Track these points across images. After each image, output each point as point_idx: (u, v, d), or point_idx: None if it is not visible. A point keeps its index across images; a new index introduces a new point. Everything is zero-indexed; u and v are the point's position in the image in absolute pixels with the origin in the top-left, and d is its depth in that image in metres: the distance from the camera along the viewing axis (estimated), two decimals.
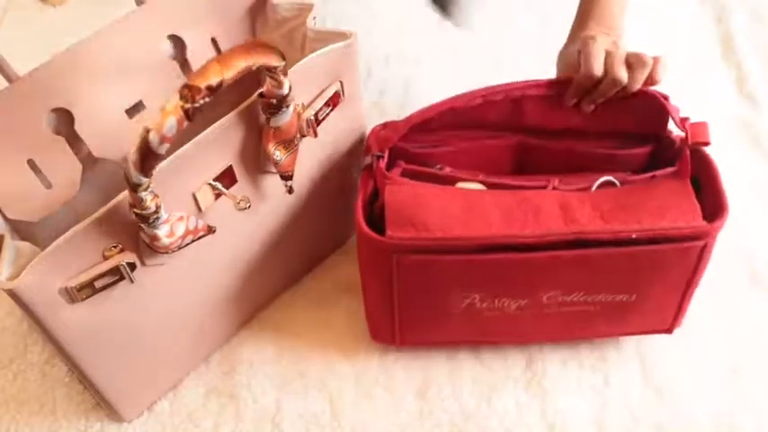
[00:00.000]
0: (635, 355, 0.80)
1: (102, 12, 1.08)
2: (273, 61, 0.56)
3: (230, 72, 0.52)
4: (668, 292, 0.72)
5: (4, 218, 0.67)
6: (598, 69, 0.70)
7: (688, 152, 0.69)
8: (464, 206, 0.67)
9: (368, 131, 0.79)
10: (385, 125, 0.75)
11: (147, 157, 0.51)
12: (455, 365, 0.79)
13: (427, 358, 0.80)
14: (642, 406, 0.76)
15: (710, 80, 1.06)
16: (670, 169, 0.71)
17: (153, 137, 0.50)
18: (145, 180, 0.53)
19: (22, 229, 0.69)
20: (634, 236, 0.65)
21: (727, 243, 0.67)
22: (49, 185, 0.70)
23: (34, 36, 1.13)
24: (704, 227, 0.66)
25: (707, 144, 0.68)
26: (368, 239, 0.67)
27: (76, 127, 0.70)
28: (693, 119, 0.70)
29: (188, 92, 0.50)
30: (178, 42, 0.75)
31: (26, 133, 0.67)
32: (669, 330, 0.76)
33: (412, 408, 0.77)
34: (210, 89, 0.51)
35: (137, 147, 0.51)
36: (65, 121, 0.70)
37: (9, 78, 0.67)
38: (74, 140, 0.71)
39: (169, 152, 0.60)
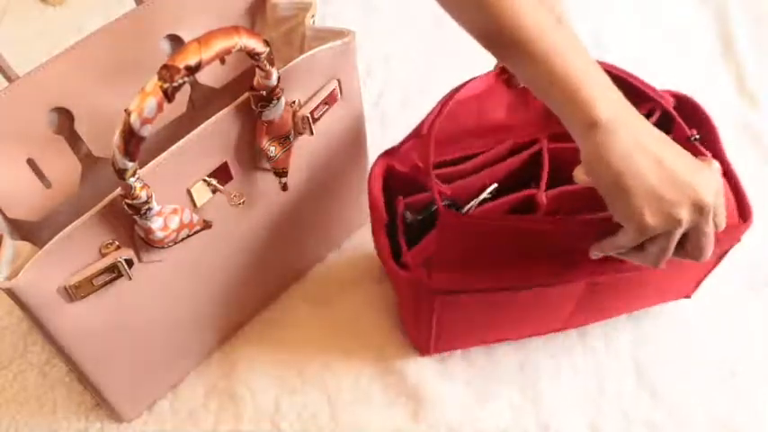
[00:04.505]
0: (629, 357, 0.80)
1: (102, 12, 1.08)
2: (256, 46, 0.56)
3: (209, 52, 0.51)
4: (689, 272, 0.74)
5: (5, 218, 0.67)
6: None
7: None
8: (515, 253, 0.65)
9: (366, 130, 0.79)
10: (394, 151, 0.72)
11: (131, 140, 0.51)
12: (451, 368, 0.79)
13: (424, 361, 0.80)
14: (637, 408, 0.76)
15: (710, 80, 1.06)
16: None
17: (134, 119, 0.50)
18: (131, 165, 0.53)
19: (22, 229, 0.69)
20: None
21: None
22: (48, 185, 0.70)
23: (34, 36, 1.13)
24: None
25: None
26: (408, 281, 0.67)
27: (76, 127, 0.70)
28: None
29: (166, 72, 0.50)
30: (178, 42, 0.75)
31: (26, 133, 0.67)
32: (688, 295, 0.79)
33: (409, 409, 0.77)
34: (189, 69, 0.51)
35: (120, 130, 0.51)
36: (65, 121, 0.70)
37: (9, 78, 0.67)
38: (74, 140, 0.71)
39: (167, 149, 0.60)
